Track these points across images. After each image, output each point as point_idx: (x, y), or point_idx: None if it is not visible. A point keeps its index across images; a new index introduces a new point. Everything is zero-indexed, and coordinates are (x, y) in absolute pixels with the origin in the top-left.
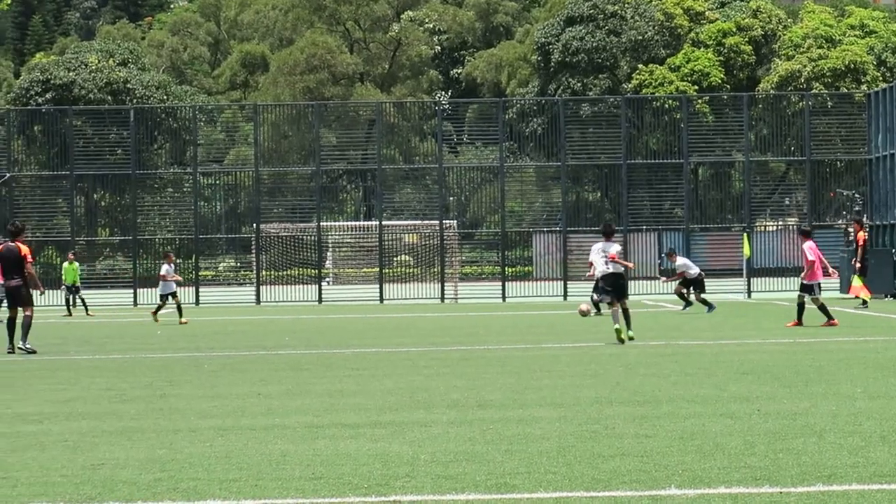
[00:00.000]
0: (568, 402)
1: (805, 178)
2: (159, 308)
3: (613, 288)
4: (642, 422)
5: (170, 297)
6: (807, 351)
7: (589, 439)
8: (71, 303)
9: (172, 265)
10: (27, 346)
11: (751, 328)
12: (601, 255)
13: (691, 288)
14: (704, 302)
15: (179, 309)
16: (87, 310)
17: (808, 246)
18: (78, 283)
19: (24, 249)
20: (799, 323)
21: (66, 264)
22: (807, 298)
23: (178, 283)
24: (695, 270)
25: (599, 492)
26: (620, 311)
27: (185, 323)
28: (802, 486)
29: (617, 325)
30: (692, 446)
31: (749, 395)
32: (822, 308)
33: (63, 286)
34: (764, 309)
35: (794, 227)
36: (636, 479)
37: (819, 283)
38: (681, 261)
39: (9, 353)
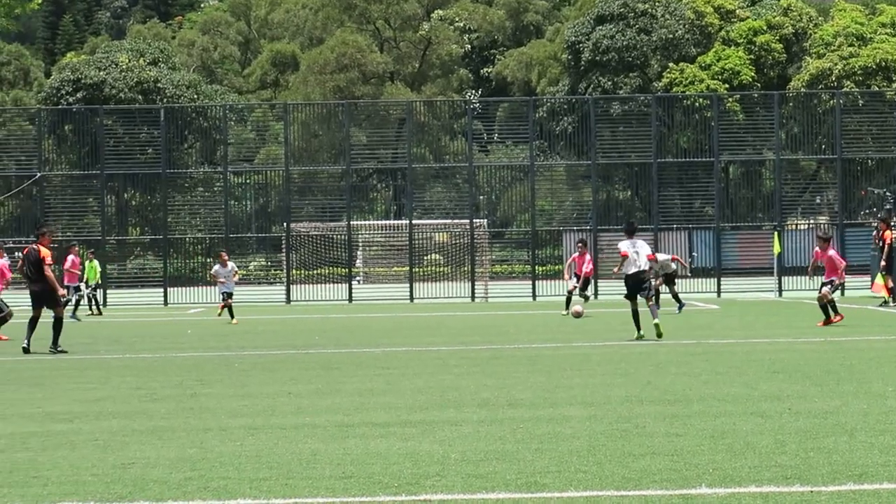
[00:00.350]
0: (598, 401)
1: (836, 177)
2: (224, 307)
3: (637, 287)
4: (673, 420)
5: (225, 296)
6: (837, 350)
7: (619, 438)
8: (94, 301)
9: (226, 265)
10: (59, 347)
11: (781, 327)
12: (633, 251)
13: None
14: (676, 298)
15: (230, 310)
16: (96, 309)
17: (834, 254)
18: (98, 282)
19: (44, 252)
20: (828, 321)
21: (87, 263)
22: (825, 289)
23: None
24: (662, 263)
25: (630, 491)
26: (655, 306)
27: (236, 323)
28: (833, 485)
29: (656, 320)
30: (723, 445)
31: (780, 393)
32: (830, 304)
33: (86, 285)
34: (795, 308)
35: (824, 225)
36: (667, 478)
37: (833, 281)
38: (661, 257)
39: (24, 351)
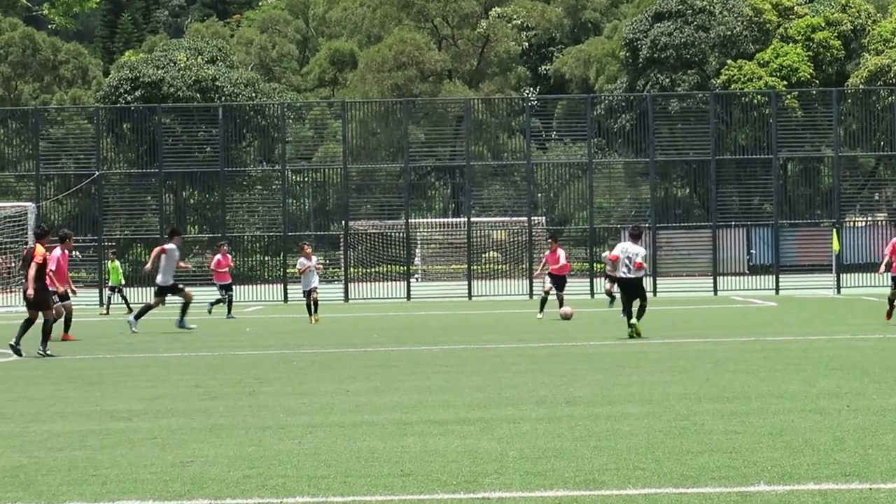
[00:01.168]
0: (656, 399)
1: (894, 173)
2: (309, 306)
3: (627, 294)
4: (731, 418)
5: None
6: None
7: (677, 436)
8: (111, 301)
9: (310, 257)
10: (46, 350)
11: (840, 324)
12: (624, 256)
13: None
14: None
15: (311, 307)
16: (128, 307)
17: None
18: (122, 282)
19: (38, 252)
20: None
21: (108, 263)
22: None
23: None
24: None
25: (688, 488)
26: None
27: (317, 322)
28: (892, 482)
29: (633, 320)
30: (781, 442)
31: (838, 390)
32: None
33: (108, 286)
34: (853, 304)
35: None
36: (725, 475)
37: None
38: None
39: (10, 346)
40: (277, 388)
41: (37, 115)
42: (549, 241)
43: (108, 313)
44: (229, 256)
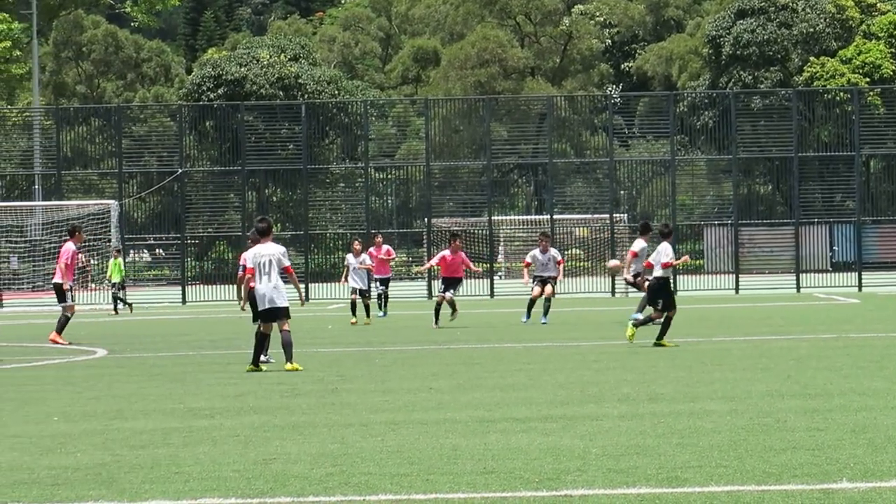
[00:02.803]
0: (739, 396)
1: None
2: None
3: (663, 296)
4: (814, 415)
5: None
6: None
7: (760, 433)
8: (119, 300)
9: (358, 254)
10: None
11: None
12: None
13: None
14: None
15: (367, 308)
16: (130, 308)
17: None
18: (122, 280)
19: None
20: None
21: (111, 261)
22: None
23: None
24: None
25: (771, 485)
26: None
27: (367, 323)
28: None
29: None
30: (864, 440)
31: None
32: None
33: (109, 284)
34: None
35: None
36: (808, 472)
37: None
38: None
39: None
40: (360, 386)
41: (119, 112)
42: (451, 239)
43: (115, 312)
44: (385, 248)
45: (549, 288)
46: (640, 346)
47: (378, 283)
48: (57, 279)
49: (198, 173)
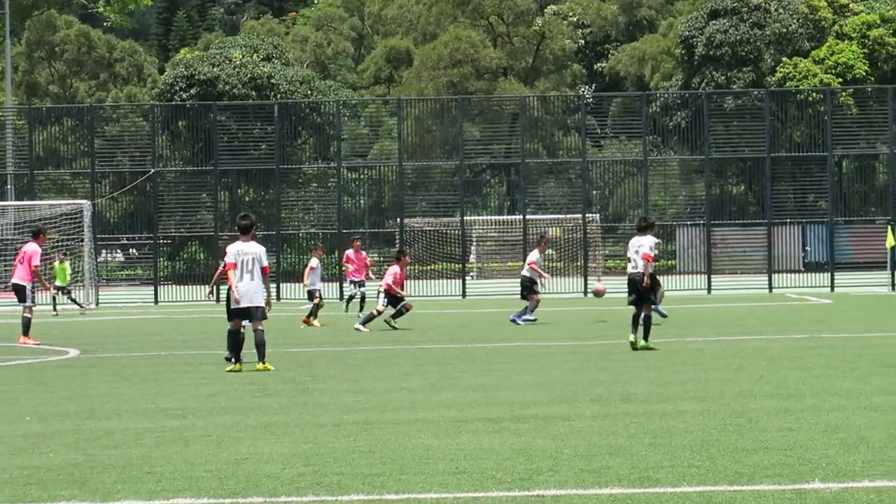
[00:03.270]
0: (711, 396)
1: None
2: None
3: (635, 291)
4: (786, 415)
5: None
6: None
7: (732, 433)
8: (71, 300)
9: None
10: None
11: (895, 321)
12: (633, 251)
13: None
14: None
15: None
16: (81, 308)
17: None
18: (67, 284)
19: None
20: None
21: (56, 264)
22: None
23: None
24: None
25: (743, 486)
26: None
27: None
28: None
29: (632, 338)
30: (836, 440)
31: (893, 388)
32: None
33: (54, 286)
34: None
35: None
36: (780, 472)
37: None
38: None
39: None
40: (332, 386)
41: (92, 112)
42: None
43: (56, 314)
44: (362, 253)
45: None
46: (613, 346)
47: (355, 286)
48: (17, 279)
49: (170, 173)
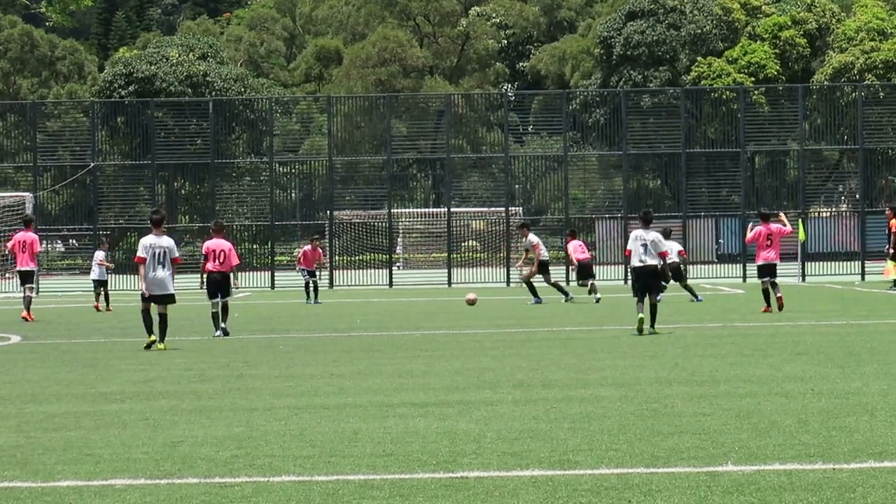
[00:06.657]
0: (629, 382)
1: (858, 166)
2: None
3: (643, 282)
4: (700, 401)
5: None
6: (859, 332)
7: (649, 418)
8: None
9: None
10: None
11: (805, 311)
12: (640, 243)
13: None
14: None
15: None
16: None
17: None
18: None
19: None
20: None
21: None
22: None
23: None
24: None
25: (659, 468)
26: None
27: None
28: (854, 463)
29: (641, 315)
30: (748, 424)
31: (803, 375)
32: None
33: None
34: (817, 292)
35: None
36: (694, 455)
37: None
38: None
39: None
40: (265, 372)
41: (34, 108)
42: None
43: None
44: (319, 251)
45: (526, 271)
46: (534, 334)
47: (307, 274)
48: (26, 266)
49: (109, 167)
